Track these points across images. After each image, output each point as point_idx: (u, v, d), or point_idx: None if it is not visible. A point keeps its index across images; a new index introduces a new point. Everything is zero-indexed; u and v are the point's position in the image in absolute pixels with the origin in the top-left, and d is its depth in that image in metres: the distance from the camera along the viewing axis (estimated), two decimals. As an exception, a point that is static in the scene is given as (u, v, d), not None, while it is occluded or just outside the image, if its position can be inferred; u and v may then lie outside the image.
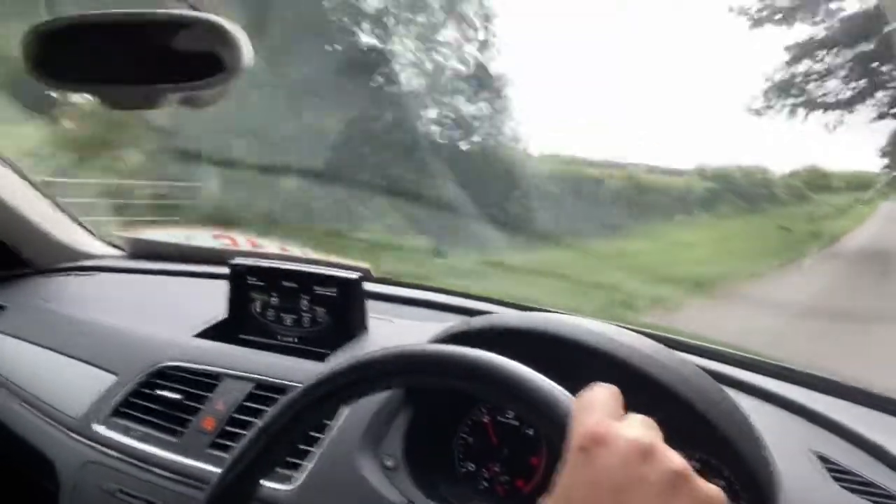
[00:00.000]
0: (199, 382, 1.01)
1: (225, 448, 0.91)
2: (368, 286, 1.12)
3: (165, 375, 1.03)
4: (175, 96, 0.61)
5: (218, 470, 0.65)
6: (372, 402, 0.87)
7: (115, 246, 1.60)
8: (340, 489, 0.82)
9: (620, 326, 0.86)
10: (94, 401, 1.04)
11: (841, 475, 0.79)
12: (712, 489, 0.42)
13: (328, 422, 0.88)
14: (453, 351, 0.58)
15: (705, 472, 0.76)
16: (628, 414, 0.46)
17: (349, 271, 1.09)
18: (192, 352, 1.06)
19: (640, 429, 0.43)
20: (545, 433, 0.51)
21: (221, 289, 1.15)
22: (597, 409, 0.45)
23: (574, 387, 0.52)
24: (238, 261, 1.14)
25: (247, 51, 0.58)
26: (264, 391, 0.96)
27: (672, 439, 0.45)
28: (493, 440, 0.89)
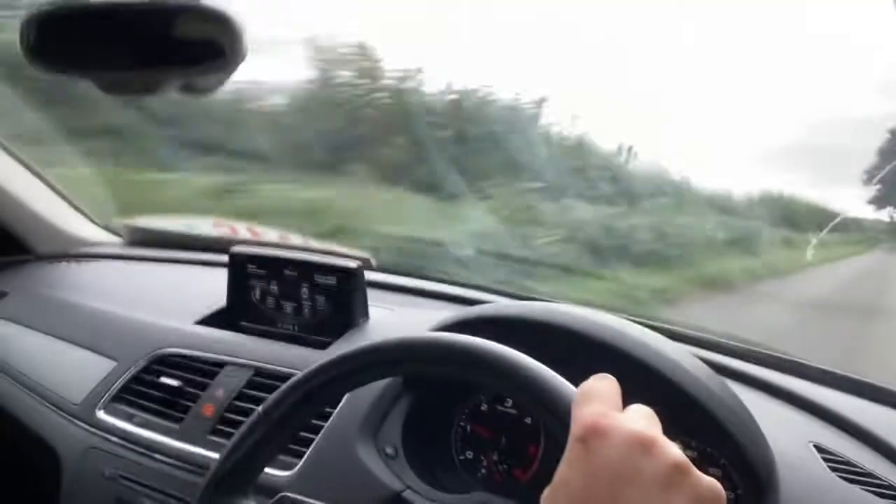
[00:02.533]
0: (199, 369, 1.01)
1: (225, 434, 0.91)
2: (369, 275, 1.12)
3: (165, 362, 1.04)
4: (174, 83, 0.61)
5: (218, 456, 0.65)
6: (371, 390, 0.87)
7: (115, 233, 1.60)
8: (340, 476, 0.82)
9: (620, 316, 0.86)
10: (95, 387, 1.04)
11: (839, 466, 0.79)
12: (712, 483, 0.42)
13: (328, 409, 0.88)
14: (456, 339, 0.58)
15: (702, 461, 0.77)
16: (629, 405, 0.46)
17: (349, 260, 1.09)
18: (192, 339, 1.07)
19: (640, 421, 0.44)
20: (545, 423, 0.52)
21: (221, 277, 1.15)
22: (597, 400, 0.45)
23: (573, 376, 0.52)
24: (238, 249, 1.14)
25: (247, 38, 0.58)
26: (264, 378, 0.97)
27: (669, 428, 0.45)
28: (492, 429, 0.89)
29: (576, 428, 0.43)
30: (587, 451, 0.42)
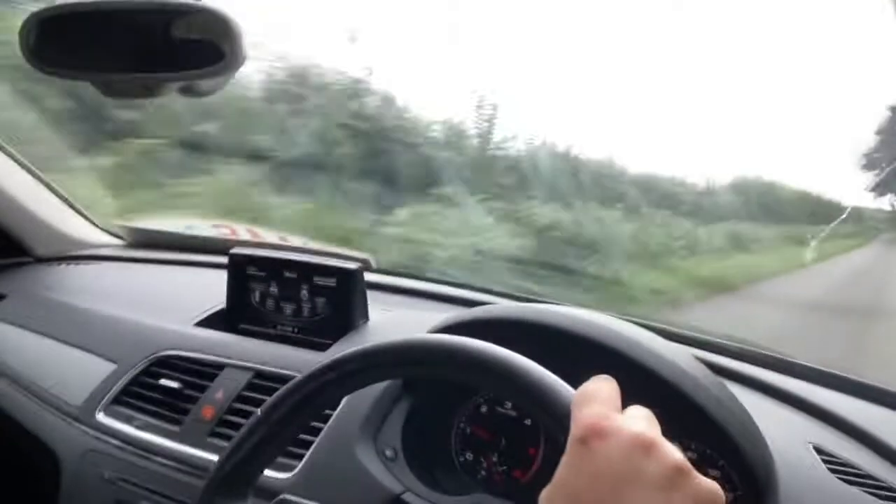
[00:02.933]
0: (199, 371, 1.01)
1: (224, 437, 0.91)
2: (368, 276, 1.12)
3: (165, 364, 1.04)
4: (174, 85, 0.61)
5: (217, 458, 0.65)
6: (371, 392, 0.87)
7: (115, 235, 1.60)
8: (339, 478, 0.82)
9: (618, 318, 0.86)
10: (95, 389, 1.04)
11: (838, 467, 0.79)
12: (712, 485, 0.42)
13: (328, 411, 0.88)
14: (455, 341, 0.58)
15: (701, 462, 0.77)
16: (627, 407, 0.46)
17: (349, 262, 1.09)
18: (192, 341, 1.07)
19: (640, 423, 0.44)
20: (544, 425, 0.52)
21: (221, 278, 1.15)
22: (597, 401, 0.45)
23: (572, 377, 0.52)
24: (238, 250, 1.14)
25: (246, 40, 0.58)
26: (264, 380, 0.97)
27: (669, 430, 0.45)
28: (491, 430, 0.89)
29: (576, 429, 0.44)
30: (588, 451, 0.42)
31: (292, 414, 0.62)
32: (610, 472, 0.41)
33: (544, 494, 0.43)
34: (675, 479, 0.41)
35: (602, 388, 0.47)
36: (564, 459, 0.43)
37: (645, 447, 0.42)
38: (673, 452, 0.42)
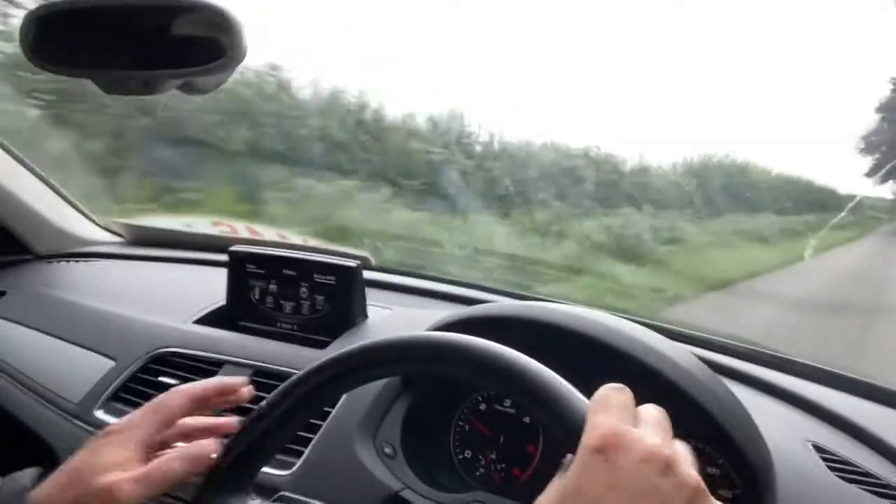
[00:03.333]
0: (198, 369, 1.01)
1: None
2: (367, 274, 1.12)
3: (164, 361, 1.04)
4: (174, 82, 0.61)
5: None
6: (370, 390, 0.87)
7: (114, 232, 1.60)
8: (338, 476, 0.82)
9: (618, 316, 0.86)
10: (93, 386, 1.04)
11: (837, 465, 0.79)
12: None
13: (327, 408, 0.88)
14: (456, 339, 0.58)
15: (701, 460, 0.77)
16: (641, 410, 0.46)
17: (348, 259, 1.09)
18: (191, 338, 1.07)
19: (658, 437, 0.44)
20: (550, 427, 0.51)
21: (221, 276, 1.15)
22: (613, 410, 0.45)
23: (571, 375, 0.52)
24: (237, 248, 1.14)
25: (246, 37, 0.58)
26: (263, 378, 0.96)
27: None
28: (490, 428, 0.89)
29: (592, 437, 0.43)
30: (604, 461, 0.42)
31: (292, 411, 0.62)
32: (627, 485, 0.41)
33: (549, 498, 0.43)
34: (692, 499, 0.41)
35: (619, 397, 0.47)
36: (577, 465, 0.43)
37: (663, 464, 0.42)
38: (691, 473, 0.42)
